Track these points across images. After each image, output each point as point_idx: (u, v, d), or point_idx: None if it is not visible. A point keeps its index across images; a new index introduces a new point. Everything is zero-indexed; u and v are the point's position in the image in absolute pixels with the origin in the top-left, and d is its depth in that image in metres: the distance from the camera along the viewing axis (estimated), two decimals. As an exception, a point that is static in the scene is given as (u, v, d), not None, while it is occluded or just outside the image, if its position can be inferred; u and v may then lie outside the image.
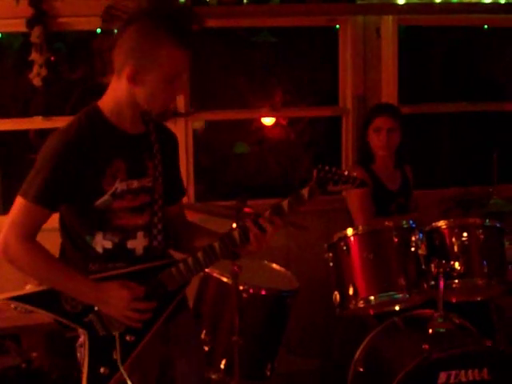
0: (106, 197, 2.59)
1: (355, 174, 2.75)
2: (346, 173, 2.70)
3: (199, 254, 2.68)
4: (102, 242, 2.64)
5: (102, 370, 2.59)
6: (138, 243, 2.69)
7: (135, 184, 2.67)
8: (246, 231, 2.68)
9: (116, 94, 2.64)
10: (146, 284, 2.63)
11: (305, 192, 2.68)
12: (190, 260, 2.68)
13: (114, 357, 2.59)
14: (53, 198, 2.55)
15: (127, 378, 2.57)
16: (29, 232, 2.56)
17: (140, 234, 2.69)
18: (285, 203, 2.68)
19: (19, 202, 2.55)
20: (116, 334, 2.61)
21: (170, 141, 2.93)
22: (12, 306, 4.17)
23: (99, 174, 2.58)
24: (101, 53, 3.66)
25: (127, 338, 2.63)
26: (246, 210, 3.24)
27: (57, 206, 2.60)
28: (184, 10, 2.72)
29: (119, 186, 2.62)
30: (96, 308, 2.61)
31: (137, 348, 2.64)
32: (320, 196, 2.69)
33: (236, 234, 2.68)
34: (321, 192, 2.68)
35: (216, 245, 2.68)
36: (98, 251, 2.64)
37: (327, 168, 2.68)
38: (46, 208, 2.54)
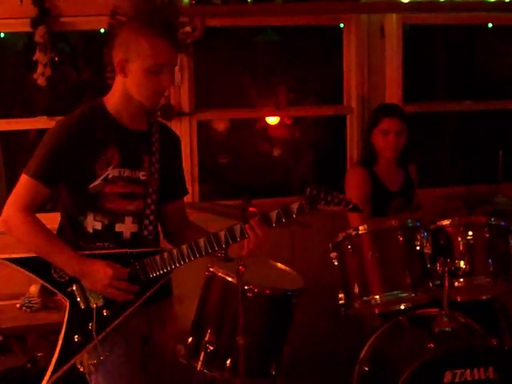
0: (98, 181, 2.82)
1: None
2: (341, 195, 2.82)
3: (184, 247, 2.85)
4: (92, 223, 2.86)
5: (76, 337, 2.80)
6: (125, 227, 2.90)
7: (127, 173, 2.88)
8: (232, 233, 2.83)
9: (116, 89, 2.90)
10: (130, 267, 2.82)
11: (294, 207, 2.80)
12: (174, 251, 2.86)
13: (89, 327, 2.79)
14: (50, 176, 2.80)
15: (99, 348, 2.79)
16: (28, 205, 2.80)
17: (128, 219, 2.90)
18: (273, 214, 2.82)
19: (22, 177, 2.82)
20: (94, 306, 2.81)
21: (173, 143, 3.15)
22: (17, 305, 4.20)
23: (93, 158, 2.82)
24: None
25: (104, 312, 2.82)
26: (251, 209, 3.25)
27: (53, 183, 2.83)
28: (166, 6, 2.89)
29: (111, 172, 2.84)
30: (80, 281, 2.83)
31: (112, 323, 2.82)
32: (310, 212, 2.79)
33: (222, 234, 2.84)
34: (310, 209, 2.79)
35: (201, 241, 2.85)
36: (89, 231, 2.87)
37: (322, 187, 2.78)
38: (44, 184, 2.79)
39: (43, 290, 4.11)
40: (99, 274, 2.76)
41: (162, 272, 2.86)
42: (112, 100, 2.89)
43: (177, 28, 2.84)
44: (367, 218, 4.11)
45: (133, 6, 2.81)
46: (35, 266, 2.85)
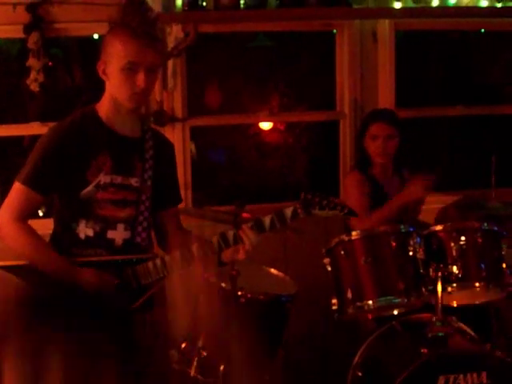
0: (90, 187, 2.82)
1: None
2: (336, 200, 2.84)
3: (176, 254, 2.87)
4: (84, 230, 2.87)
5: None
6: (117, 234, 2.90)
7: (119, 179, 2.88)
8: (225, 239, 2.85)
9: (105, 95, 2.92)
10: (120, 275, 2.83)
11: (288, 212, 2.82)
12: (166, 258, 2.87)
13: None
14: (41, 183, 2.84)
15: None
16: (20, 212, 2.82)
17: (120, 226, 2.90)
18: (266, 219, 2.83)
19: (14, 184, 2.85)
20: None
21: (167, 150, 3.16)
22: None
23: (85, 165, 2.82)
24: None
25: None
26: (244, 215, 3.26)
27: (45, 190, 2.84)
28: (142, 9, 2.87)
29: (103, 178, 2.84)
30: None
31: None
32: (304, 217, 2.81)
33: (214, 240, 2.86)
34: (305, 214, 2.80)
35: (194, 247, 2.86)
36: (81, 237, 2.87)
37: (316, 192, 2.81)
38: (35, 191, 2.80)
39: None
40: (85, 284, 2.76)
41: (154, 279, 2.87)
42: (103, 106, 2.91)
43: (153, 29, 2.84)
44: (368, 215, 4.13)
45: (119, 13, 2.85)
46: (27, 273, 2.83)
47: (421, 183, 4.11)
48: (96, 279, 2.76)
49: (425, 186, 4.10)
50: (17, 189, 2.82)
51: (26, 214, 2.83)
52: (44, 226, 3.04)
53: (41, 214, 4.23)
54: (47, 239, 2.94)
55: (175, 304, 3.12)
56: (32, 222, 2.87)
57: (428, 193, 4.16)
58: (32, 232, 2.82)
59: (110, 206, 2.86)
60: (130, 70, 2.76)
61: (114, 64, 2.79)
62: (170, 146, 3.19)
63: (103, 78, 2.86)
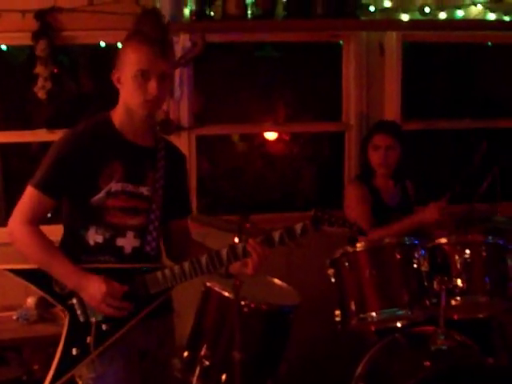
0: (101, 194, 2.82)
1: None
2: (346, 217, 2.89)
3: (186, 264, 2.85)
4: (94, 237, 2.86)
5: (74, 351, 2.80)
6: (126, 242, 2.89)
7: (130, 187, 2.88)
8: (234, 251, 2.83)
9: (119, 103, 2.92)
10: (129, 283, 2.82)
11: (298, 228, 2.82)
12: (176, 268, 2.86)
13: (88, 341, 2.80)
14: (53, 187, 2.82)
15: (97, 362, 2.80)
16: (32, 216, 2.82)
17: (130, 234, 2.89)
18: (276, 234, 2.83)
19: (27, 188, 2.84)
20: (93, 320, 2.81)
21: (179, 161, 3.16)
22: (14, 317, 4.19)
23: (96, 172, 2.82)
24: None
25: (103, 326, 2.82)
26: (248, 226, 3.26)
27: (57, 195, 2.85)
28: (148, 16, 2.90)
29: (114, 186, 2.84)
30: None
31: (110, 338, 2.82)
32: (314, 233, 2.82)
33: (224, 253, 2.84)
34: (315, 230, 2.81)
35: (203, 259, 2.85)
36: (90, 244, 2.87)
37: (326, 209, 2.81)
38: (47, 195, 2.82)
39: (40, 302, 4.11)
40: (93, 290, 2.76)
41: (162, 289, 2.87)
42: (117, 114, 2.92)
43: (163, 36, 2.85)
44: (370, 223, 4.13)
45: (134, 21, 2.88)
46: (36, 277, 2.86)
47: (437, 206, 4.10)
48: (104, 286, 2.75)
49: (440, 209, 4.09)
50: (29, 193, 2.82)
51: (37, 218, 2.83)
52: (53, 232, 3.03)
53: (48, 214, 4.24)
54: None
55: (180, 313, 3.13)
56: (41, 228, 2.86)
57: (444, 217, 4.13)
58: (42, 236, 2.83)
59: (120, 214, 2.85)
60: (141, 77, 2.77)
61: (126, 72, 2.80)
62: (181, 157, 3.19)
63: (118, 86, 2.88)
